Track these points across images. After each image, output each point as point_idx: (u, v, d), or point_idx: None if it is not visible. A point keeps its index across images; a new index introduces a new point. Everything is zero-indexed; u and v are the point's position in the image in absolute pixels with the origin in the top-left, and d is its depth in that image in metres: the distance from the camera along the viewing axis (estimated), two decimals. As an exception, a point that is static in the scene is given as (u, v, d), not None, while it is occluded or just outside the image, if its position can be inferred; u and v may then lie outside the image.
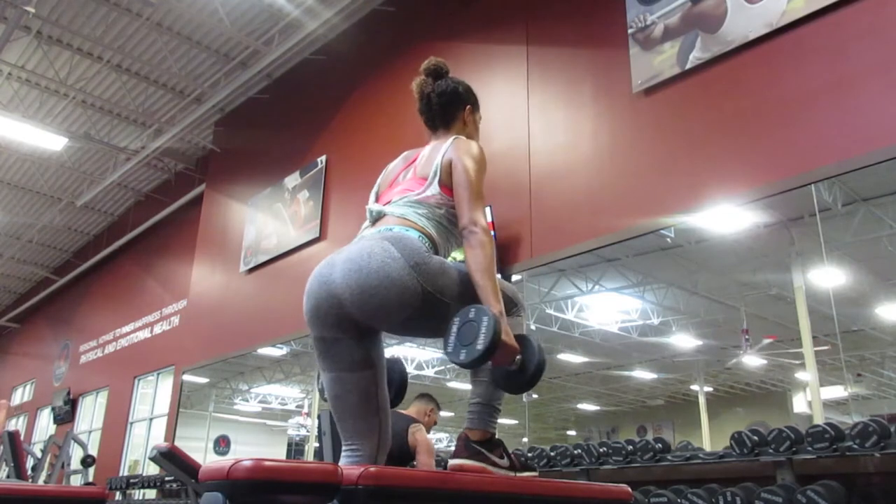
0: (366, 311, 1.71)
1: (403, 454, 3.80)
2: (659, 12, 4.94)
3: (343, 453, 1.82)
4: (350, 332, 1.76)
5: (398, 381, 2.06)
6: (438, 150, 1.98)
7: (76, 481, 8.72)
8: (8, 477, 6.05)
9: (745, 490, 3.42)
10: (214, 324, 9.16)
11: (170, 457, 4.19)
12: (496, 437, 1.86)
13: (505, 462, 1.83)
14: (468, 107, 2.16)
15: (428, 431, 4.10)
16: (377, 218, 1.94)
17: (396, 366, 2.08)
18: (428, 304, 1.71)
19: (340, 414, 1.82)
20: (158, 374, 11.11)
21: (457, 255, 1.95)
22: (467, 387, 1.94)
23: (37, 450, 8.63)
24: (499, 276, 1.85)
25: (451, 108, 2.13)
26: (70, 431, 9.43)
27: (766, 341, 9.20)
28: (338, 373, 1.80)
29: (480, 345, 1.61)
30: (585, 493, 1.98)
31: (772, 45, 4.36)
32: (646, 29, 4.99)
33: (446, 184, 1.92)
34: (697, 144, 4.65)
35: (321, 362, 1.83)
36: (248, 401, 13.51)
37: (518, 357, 1.73)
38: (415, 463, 3.85)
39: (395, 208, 1.92)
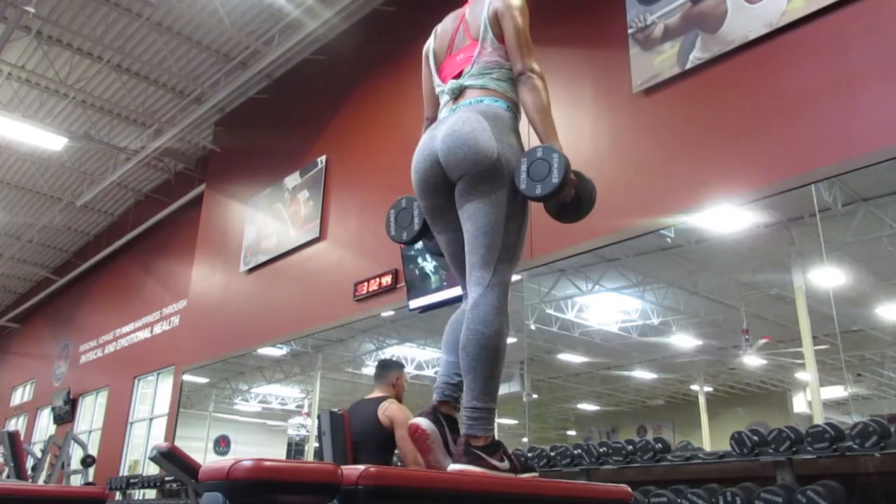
0: (451, 163, 1.90)
1: (383, 444, 3.59)
2: (659, 12, 4.94)
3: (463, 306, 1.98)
4: (451, 196, 1.95)
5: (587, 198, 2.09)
6: (482, 4, 2.07)
7: (76, 481, 8.72)
8: (7, 477, 6.05)
9: (745, 490, 3.42)
10: (214, 324, 9.17)
11: (170, 457, 4.19)
12: (496, 438, 1.84)
13: (505, 465, 1.81)
14: None
15: (401, 399, 3.85)
16: (458, 93, 2.04)
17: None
18: (494, 170, 1.87)
19: (458, 269, 2.02)
20: (158, 374, 11.11)
21: None
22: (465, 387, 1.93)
23: (37, 450, 8.63)
24: None
25: None
26: (70, 431, 9.44)
27: (762, 342, 9.20)
28: (451, 233, 2.01)
29: (556, 178, 1.80)
30: (585, 493, 1.98)
31: (772, 45, 4.36)
32: (646, 29, 4.99)
33: (498, 35, 2.03)
34: (697, 144, 4.65)
35: (434, 227, 2.06)
36: (248, 401, 13.51)
37: (572, 192, 1.92)
38: (397, 452, 3.71)
39: (472, 80, 2.03)
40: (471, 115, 1.93)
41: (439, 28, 2.24)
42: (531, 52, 2.00)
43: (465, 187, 1.91)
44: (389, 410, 3.65)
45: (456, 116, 1.95)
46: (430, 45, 2.24)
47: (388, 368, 3.96)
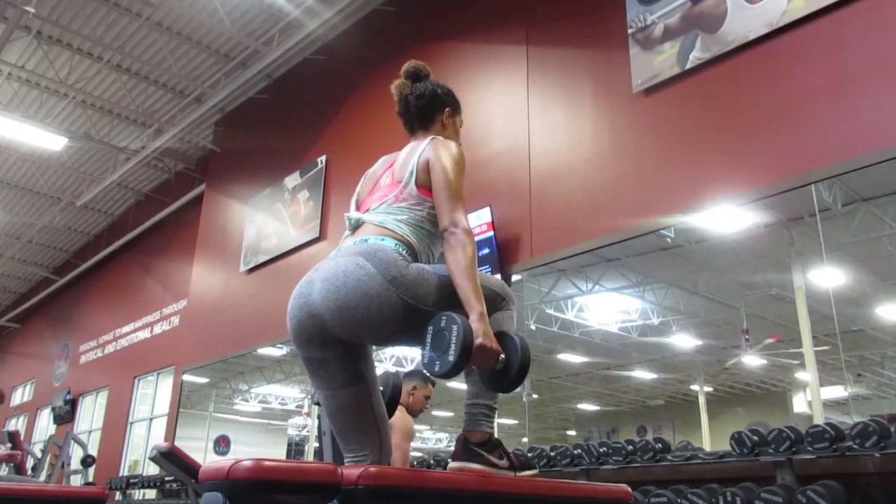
0: (348, 330, 1.70)
1: None
2: (659, 12, 4.94)
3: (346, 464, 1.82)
4: (336, 349, 1.75)
5: (390, 394, 2.06)
6: (415, 151, 1.95)
7: (76, 481, 8.72)
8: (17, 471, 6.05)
9: (745, 490, 3.42)
10: (214, 324, 9.17)
11: (170, 457, 4.20)
12: (495, 437, 1.85)
13: (504, 463, 1.82)
14: (447, 109, 2.12)
15: (416, 413, 3.79)
16: (356, 226, 1.92)
17: (391, 378, 2.09)
18: (410, 315, 1.69)
19: (339, 429, 1.81)
20: (158, 374, 11.11)
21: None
22: (466, 387, 1.94)
23: (37, 450, 8.63)
24: (484, 269, 1.84)
25: (429, 111, 2.09)
26: (70, 431, 9.44)
27: (769, 341, 9.19)
28: (331, 391, 1.79)
29: (452, 355, 1.58)
30: (585, 493, 1.98)
31: (772, 45, 4.36)
32: (646, 29, 4.99)
33: (424, 184, 1.89)
34: (697, 144, 4.65)
35: (313, 381, 1.82)
36: (248, 401, 13.51)
37: (501, 357, 1.68)
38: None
39: (373, 216, 1.90)
40: (350, 262, 1.72)
41: (369, 171, 2.13)
42: (460, 206, 1.81)
43: (383, 342, 1.78)
44: (392, 417, 3.63)
45: (335, 263, 1.74)
46: (357, 188, 2.14)
47: (412, 378, 3.85)
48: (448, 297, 1.72)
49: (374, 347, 1.93)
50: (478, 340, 1.60)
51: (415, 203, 1.88)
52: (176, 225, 11.65)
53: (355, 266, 1.70)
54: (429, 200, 1.88)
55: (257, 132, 9.77)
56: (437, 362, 1.62)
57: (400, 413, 3.62)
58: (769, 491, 3.29)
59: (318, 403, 1.98)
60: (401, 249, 1.78)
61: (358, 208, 2.05)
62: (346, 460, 1.81)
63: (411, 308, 1.69)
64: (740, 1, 4.49)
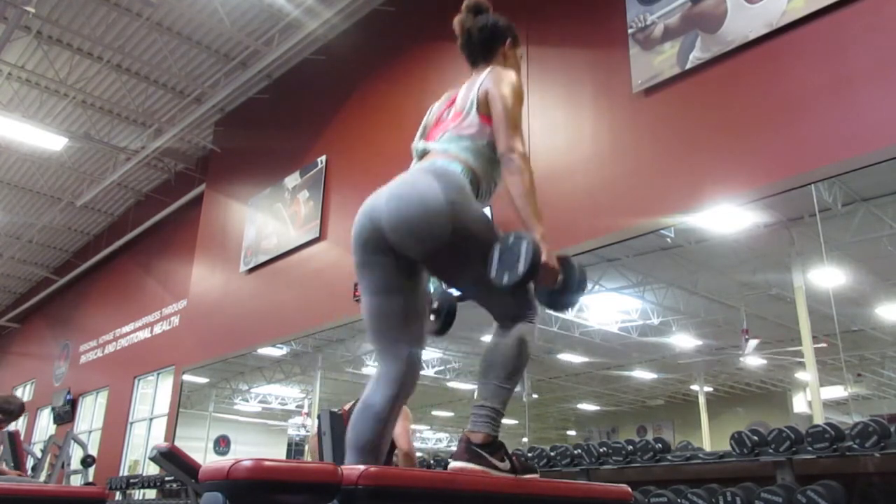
0: (399, 236, 1.80)
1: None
2: (659, 12, 4.94)
3: (374, 373, 1.89)
4: (388, 257, 1.85)
5: (447, 309, 2.13)
6: (476, 83, 2.04)
7: (76, 481, 8.71)
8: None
9: (745, 490, 3.42)
10: (214, 324, 9.17)
11: (170, 457, 4.20)
12: (497, 439, 1.84)
13: (506, 465, 1.81)
14: (508, 40, 2.18)
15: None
16: (422, 154, 2.02)
17: (447, 296, 2.15)
18: (455, 239, 1.77)
19: (373, 334, 1.90)
20: (158, 374, 11.11)
21: None
22: (467, 387, 1.94)
23: (37, 450, 8.62)
24: None
25: (490, 43, 2.16)
26: (70, 431, 9.43)
27: (754, 342, 9.17)
28: (373, 295, 1.90)
29: (521, 267, 1.70)
30: (585, 493, 1.98)
31: (772, 45, 4.36)
32: (646, 29, 4.99)
33: (485, 113, 1.97)
34: (697, 144, 4.65)
35: (361, 284, 1.94)
36: (248, 401, 13.51)
37: (560, 277, 1.82)
38: (396, 453, 3.73)
39: (438, 144, 2.00)
40: (418, 175, 1.87)
41: (434, 106, 2.22)
42: (518, 134, 1.91)
43: (435, 263, 1.87)
44: None
45: (404, 177, 1.89)
46: (423, 121, 2.23)
47: None
48: (489, 236, 1.82)
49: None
50: (542, 257, 1.73)
51: (477, 132, 1.96)
52: (176, 225, 11.65)
53: (424, 181, 1.82)
54: (489, 128, 1.95)
55: (257, 132, 9.77)
56: (506, 274, 1.73)
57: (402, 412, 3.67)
58: (769, 491, 3.29)
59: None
60: (466, 175, 1.89)
61: (424, 139, 2.13)
62: (376, 369, 1.90)
63: (458, 235, 1.78)
64: (740, 1, 4.49)
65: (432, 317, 2.14)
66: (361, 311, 1.95)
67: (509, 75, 2.01)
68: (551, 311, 1.98)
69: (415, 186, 1.82)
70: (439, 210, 1.76)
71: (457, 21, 2.20)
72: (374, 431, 1.78)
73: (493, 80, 1.99)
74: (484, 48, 2.15)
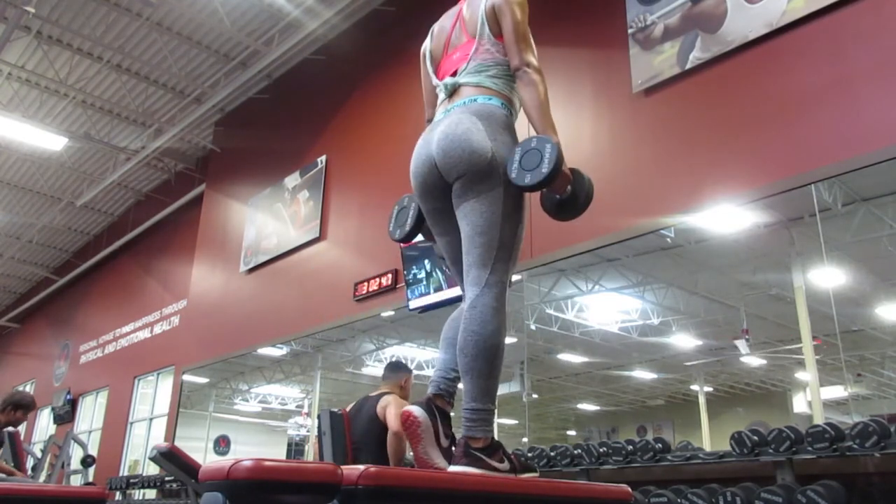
0: (447, 165, 1.89)
1: (384, 441, 3.57)
2: (659, 12, 4.94)
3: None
4: (450, 201, 1.94)
5: (583, 194, 2.03)
6: (479, 1, 2.05)
7: (76, 481, 8.72)
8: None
9: (745, 490, 3.42)
10: (214, 324, 9.17)
11: (170, 457, 4.20)
12: (495, 439, 1.84)
13: (505, 465, 1.80)
14: None
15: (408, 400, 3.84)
16: (453, 91, 2.03)
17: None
18: (489, 169, 1.85)
19: (458, 272, 1.99)
20: (158, 374, 11.11)
21: None
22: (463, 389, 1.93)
23: (37, 450, 8.63)
24: None
25: None
26: (70, 431, 9.43)
27: (742, 342, 9.14)
28: (451, 236, 1.99)
29: (545, 168, 1.77)
30: (585, 493, 1.98)
31: (772, 45, 4.36)
32: (646, 29, 4.99)
33: (496, 32, 2.02)
34: (697, 144, 4.65)
35: (435, 229, 2.05)
36: (248, 401, 13.51)
37: (569, 187, 1.91)
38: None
39: (468, 77, 2.01)
40: (464, 117, 1.92)
41: (436, 27, 2.22)
42: (529, 47, 1.98)
43: (461, 188, 1.90)
44: (384, 400, 3.69)
45: (450, 118, 1.94)
46: (426, 45, 2.23)
47: (398, 370, 4.03)
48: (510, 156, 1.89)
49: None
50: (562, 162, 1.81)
51: (499, 54, 2.01)
52: (176, 225, 11.65)
53: (468, 121, 1.90)
54: (502, 45, 2.01)
55: (257, 132, 9.77)
56: (528, 174, 1.80)
57: (394, 397, 3.73)
58: (769, 491, 3.29)
59: (403, 239, 2.19)
60: (506, 108, 1.97)
61: (437, 69, 2.16)
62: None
63: (494, 162, 1.86)
64: (740, 1, 4.49)
65: (403, 225, 2.17)
66: (443, 251, 2.06)
67: None
68: (559, 220, 2.05)
69: (460, 124, 1.89)
70: (482, 145, 1.86)
71: None
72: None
73: None
74: None
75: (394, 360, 4.27)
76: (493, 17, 2.02)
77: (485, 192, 1.87)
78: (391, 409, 3.61)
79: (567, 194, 1.93)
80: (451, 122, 1.92)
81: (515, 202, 1.91)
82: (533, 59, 1.95)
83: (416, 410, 1.86)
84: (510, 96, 2.00)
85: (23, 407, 5.10)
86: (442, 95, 2.07)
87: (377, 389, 3.92)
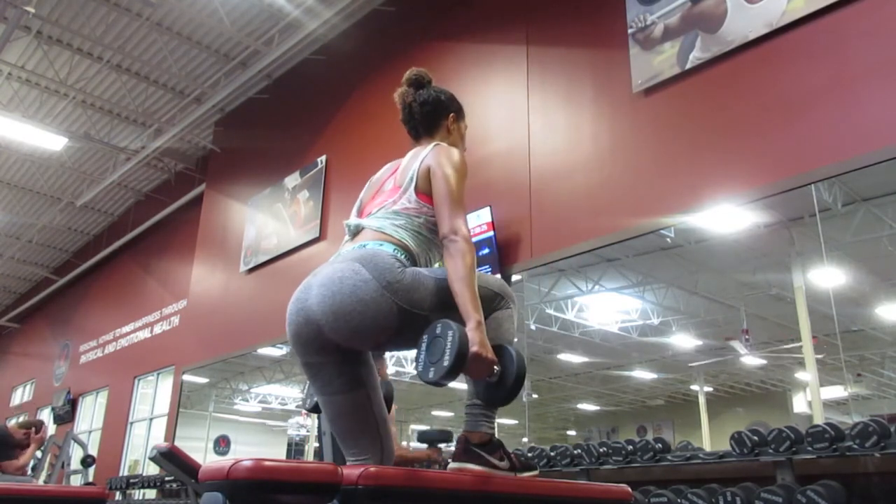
0: (344, 335, 1.70)
1: None
2: (659, 12, 4.94)
3: None
4: (334, 355, 1.75)
5: (385, 395, 2.04)
6: (417, 157, 1.95)
7: (76, 481, 8.71)
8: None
9: (745, 490, 3.42)
10: (214, 324, 9.16)
11: (170, 457, 4.20)
12: (496, 437, 1.84)
13: (505, 464, 1.81)
14: (451, 115, 2.13)
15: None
16: (356, 232, 1.93)
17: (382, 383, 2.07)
18: (407, 320, 1.69)
19: (340, 434, 1.82)
20: (158, 374, 11.11)
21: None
22: (466, 387, 1.93)
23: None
24: (484, 269, 1.84)
25: (433, 117, 2.10)
26: (70, 431, 9.43)
27: (737, 342, 9.15)
28: (330, 396, 1.80)
29: (447, 361, 1.56)
30: (585, 493, 1.98)
31: (772, 45, 4.36)
32: (646, 29, 4.99)
33: (424, 191, 1.89)
34: (697, 144, 4.65)
35: (312, 385, 1.84)
36: (248, 401, 13.50)
37: (497, 368, 1.67)
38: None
39: (372, 221, 1.91)
40: (346, 267, 1.72)
41: (374, 177, 2.15)
42: (461, 214, 1.80)
43: (380, 348, 1.82)
44: None
45: (332, 269, 1.74)
46: (361, 195, 2.16)
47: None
48: (445, 301, 1.71)
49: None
50: (473, 349, 1.59)
51: (413, 209, 1.88)
52: (176, 225, 11.65)
53: (351, 272, 1.70)
54: (427, 206, 1.87)
55: (257, 132, 9.77)
56: (432, 368, 1.60)
57: None
58: (769, 491, 3.29)
59: (313, 409, 2.00)
60: (398, 254, 1.78)
61: (360, 214, 2.06)
62: (348, 463, 1.81)
63: (407, 313, 1.68)
64: (740, 1, 4.49)
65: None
66: (325, 413, 1.83)
67: (453, 154, 1.92)
68: (488, 404, 1.84)
69: (343, 281, 1.69)
70: (377, 299, 1.66)
71: (397, 95, 2.13)
72: None
73: (435, 158, 1.90)
74: (426, 123, 2.09)
75: None
76: (426, 177, 1.89)
77: (409, 330, 1.69)
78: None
79: (495, 377, 1.69)
80: (332, 273, 1.73)
81: (418, 295, 1.71)
82: (463, 228, 1.77)
83: (468, 468, 1.77)
84: (410, 248, 1.83)
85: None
86: (346, 237, 1.95)
87: None
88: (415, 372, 1.67)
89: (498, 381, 1.70)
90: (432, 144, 1.98)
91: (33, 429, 5.09)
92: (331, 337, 1.71)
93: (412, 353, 1.69)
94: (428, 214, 1.87)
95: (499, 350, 1.70)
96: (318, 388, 1.81)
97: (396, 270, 1.71)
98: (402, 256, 1.79)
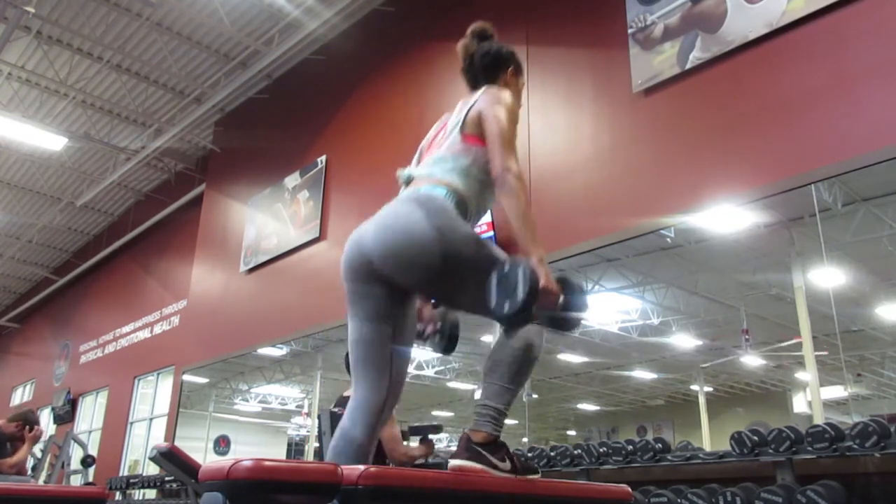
0: (390, 268, 1.80)
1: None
2: (659, 12, 4.94)
3: (352, 402, 1.89)
4: (378, 287, 1.84)
5: (450, 328, 2.10)
6: (468, 102, 2.01)
7: (76, 481, 8.72)
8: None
9: (745, 490, 3.42)
10: (214, 324, 9.17)
11: (170, 457, 4.19)
12: (500, 439, 1.83)
13: (507, 465, 1.80)
14: (511, 69, 2.18)
15: None
16: (408, 181, 2.00)
17: (449, 315, 2.12)
18: (447, 266, 1.76)
19: (354, 361, 1.90)
20: (158, 374, 11.11)
21: None
22: (467, 387, 1.94)
23: (37, 450, 8.62)
24: None
25: (493, 69, 2.14)
26: (70, 431, 9.43)
27: (746, 339, 9.14)
28: (359, 321, 1.89)
29: (520, 294, 1.66)
30: (585, 493, 1.98)
31: (772, 45, 4.36)
32: (646, 29, 4.99)
33: (472, 133, 1.94)
34: (697, 144, 4.65)
35: (350, 310, 1.93)
36: (248, 401, 13.52)
37: (561, 299, 1.78)
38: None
39: (422, 168, 1.98)
40: (403, 206, 1.84)
41: (433, 129, 2.19)
42: (512, 154, 1.86)
43: (420, 288, 1.88)
44: None
45: (388, 208, 1.87)
46: (421, 144, 2.20)
47: None
48: (485, 258, 1.79)
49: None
50: (540, 282, 1.68)
51: (461, 150, 1.94)
52: (176, 225, 11.65)
53: (406, 211, 1.81)
54: (477, 148, 1.93)
55: (257, 132, 9.77)
56: (507, 303, 1.69)
57: None
58: (769, 491, 3.29)
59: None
60: (451, 199, 1.86)
61: (420, 158, 2.12)
62: (350, 395, 1.90)
63: (449, 259, 1.75)
64: (740, 1, 4.49)
65: (437, 337, 2.11)
66: (350, 337, 1.92)
67: (503, 95, 1.97)
68: (556, 333, 1.94)
69: (398, 217, 1.81)
70: (426, 239, 1.74)
71: (460, 45, 2.20)
72: (358, 463, 1.75)
73: (486, 100, 1.95)
74: (486, 74, 2.13)
75: None
76: (476, 119, 1.94)
77: (451, 278, 1.79)
78: (387, 430, 3.45)
79: (561, 306, 1.80)
80: (388, 211, 1.86)
81: (465, 257, 1.80)
82: (515, 167, 1.84)
83: (469, 466, 1.80)
84: (461, 190, 1.89)
85: (30, 423, 5.11)
86: (402, 188, 2.01)
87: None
88: (433, 351, 1.73)
89: (563, 310, 1.81)
90: (483, 89, 2.02)
91: (26, 428, 5.04)
92: (379, 269, 1.81)
93: (416, 356, 1.71)
94: (478, 155, 1.92)
95: (560, 281, 1.80)
96: (353, 311, 1.90)
97: (448, 215, 1.80)
98: (454, 201, 1.86)
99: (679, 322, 9.49)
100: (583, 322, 1.89)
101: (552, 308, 1.79)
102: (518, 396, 1.91)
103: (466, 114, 1.96)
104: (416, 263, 1.76)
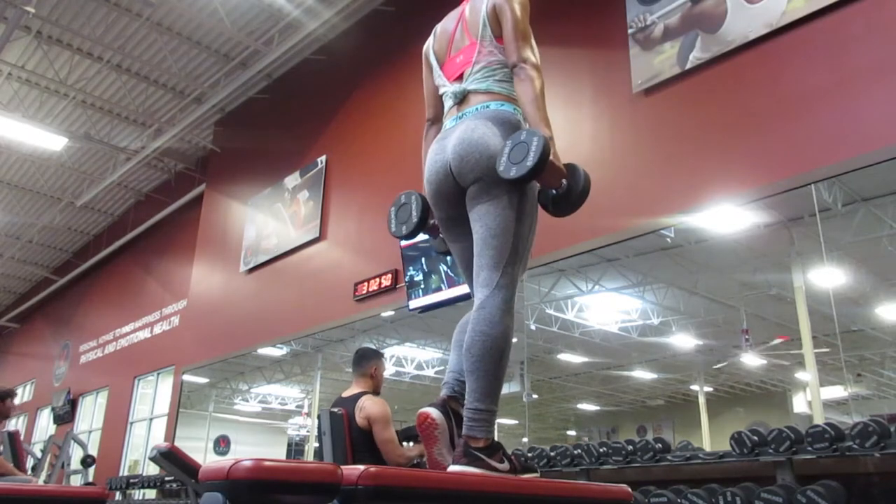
0: (463, 170, 1.91)
1: (368, 443, 3.42)
2: (659, 12, 4.94)
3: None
4: (463, 208, 1.96)
5: (582, 185, 1.99)
6: (482, 1, 2.07)
7: (76, 481, 8.72)
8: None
9: (745, 490, 3.42)
10: (214, 324, 9.17)
11: (170, 457, 4.19)
12: (495, 440, 1.83)
13: (505, 466, 1.80)
14: None
15: (379, 391, 3.65)
16: (462, 98, 2.05)
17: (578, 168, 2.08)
18: (509, 183, 1.86)
19: (469, 277, 2.00)
20: (158, 374, 11.11)
21: None
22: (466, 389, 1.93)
23: (37, 450, 8.63)
24: None
25: None
26: (70, 431, 9.44)
27: (777, 341, 9.15)
28: (462, 243, 2.02)
29: (530, 161, 1.75)
30: (585, 493, 1.98)
31: (772, 45, 4.36)
32: (646, 29, 4.99)
33: (498, 33, 2.03)
34: (697, 144, 4.65)
35: (448, 235, 2.08)
36: (248, 401, 13.51)
37: (564, 182, 1.89)
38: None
39: (476, 83, 2.03)
40: (479, 122, 1.94)
41: (439, 28, 2.23)
42: (528, 44, 1.98)
43: (476, 191, 1.92)
44: (365, 409, 3.45)
45: (465, 124, 1.96)
46: (429, 44, 2.23)
47: (366, 358, 3.73)
48: (531, 193, 1.94)
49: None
50: (550, 158, 1.79)
51: (500, 54, 2.02)
52: (176, 225, 11.65)
53: (484, 126, 1.93)
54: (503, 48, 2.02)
55: (257, 132, 9.77)
56: (514, 167, 1.78)
57: (372, 402, 3.49)
58: (769, 491, 3.29)
59: (442, 252, 2.23)
60: (518, 113, 1.98)
61: (442, 70, 2.16)
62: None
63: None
64: (740, 1, 4.49)
65: (407, 221, 2.14)
66: (455, 257, 2.08)
67: None
68: (554, 216, 2.01)
69: (475, 130, 1.92)
70: (498, 146, 1.86)
71: None
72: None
73: None
74: None
75: (361, 347, 3.98)
76: (495, 18, 2.02)
77: (500, 196, 1.88)
78: (374, 417, 3.43)
79: (562, 189, 1.93)
80: (466, 128, 1.95)
81: (529, 205, 1.93)
82: (531, 56, 1.95)
83: (434, 412, 1.86)
84: (516, 98, 2.00)
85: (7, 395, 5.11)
86: (450, 102, 2.08)
87: (350, 387, 3.72)
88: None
89: (565, 193, 1.93)
90: None
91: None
92: (459, 180, 1.94)
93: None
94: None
95: (567, 166, 1.91)
96: (453, 237, 2.06)
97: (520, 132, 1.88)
98: (519, 114, 1.97)
99: (679, 322, 9.49)
100: (579, 208, 1.95)
101: (555, 187, 1.92)
102: (517, 396, 1.90)
103: (486, 13, 2.04)
104: (483, 163, 1.87)
